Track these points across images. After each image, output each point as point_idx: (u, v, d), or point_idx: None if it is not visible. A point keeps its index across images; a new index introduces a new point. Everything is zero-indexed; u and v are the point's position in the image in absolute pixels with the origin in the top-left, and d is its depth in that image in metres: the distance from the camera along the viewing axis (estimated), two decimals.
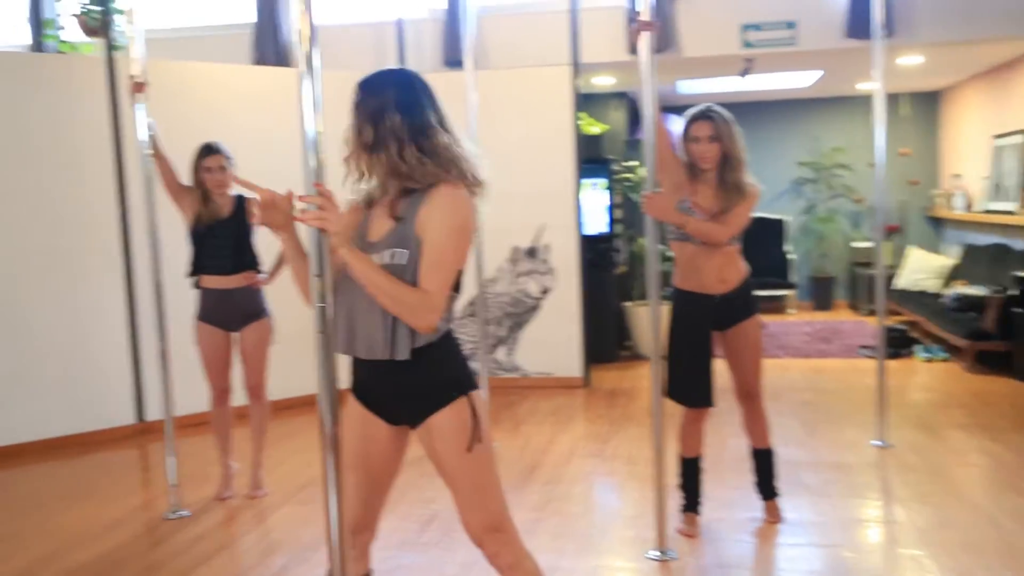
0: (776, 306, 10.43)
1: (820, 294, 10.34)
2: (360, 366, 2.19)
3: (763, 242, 10.67)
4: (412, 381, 2.14)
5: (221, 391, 4.18)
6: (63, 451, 5.22)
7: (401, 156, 2.08)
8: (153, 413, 5.41)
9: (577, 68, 6.43)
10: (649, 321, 3.41)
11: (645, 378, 6.23)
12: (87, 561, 3.54)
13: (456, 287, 2.15)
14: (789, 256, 10.59)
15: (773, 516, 3.71)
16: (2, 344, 5.13)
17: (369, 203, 2.20)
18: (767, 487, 3.76)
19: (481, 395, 2.21)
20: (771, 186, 10.78)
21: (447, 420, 2.13)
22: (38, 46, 6.68)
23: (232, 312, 4.11)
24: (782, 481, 4.18)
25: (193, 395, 4.80)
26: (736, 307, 3.52)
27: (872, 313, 7.86)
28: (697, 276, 3.47)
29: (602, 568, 3.32)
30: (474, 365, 6.41)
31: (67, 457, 5.12)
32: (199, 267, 4.08)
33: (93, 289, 5.42)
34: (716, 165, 3.43)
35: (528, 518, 3.84)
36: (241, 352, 4.17)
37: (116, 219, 5.49)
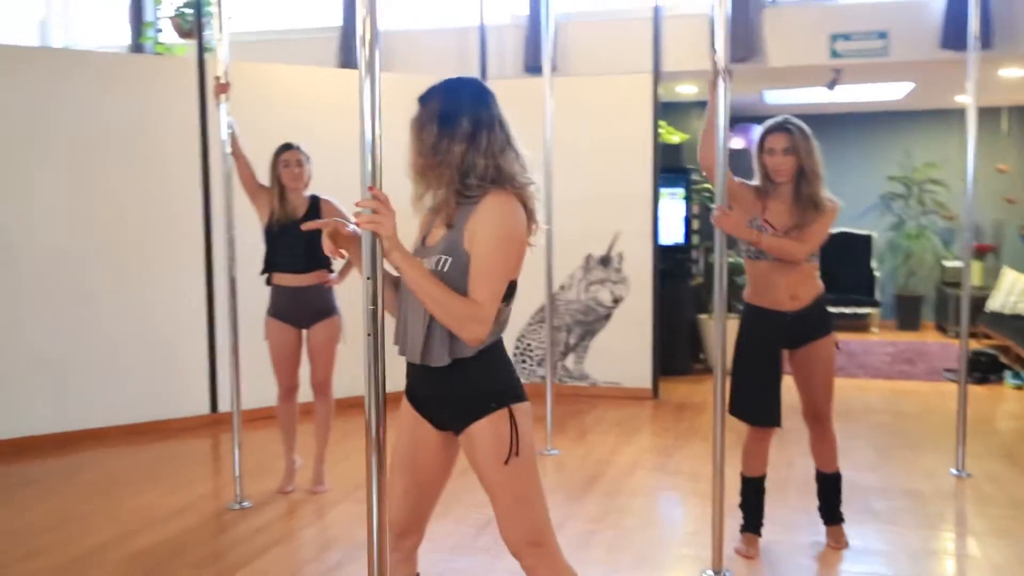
0: (858, 324, 10.14)
1: (906, 313, 10.02)
2: (411, 368, 2.20)
3: (847, 257, 10.39)
4: (453, 388, 2.14)
5: (288, 387, 4.26)
6: (142, 437, 5.39)
7: (462, 162, 2.09)
8: (226, 405, 5.54)
9: (658, 76, 6.36)
10: (716, 335, 3.34)
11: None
12: (149, 547, 3.64)
13: (507, 297, 2.12)
14: (875, 273, 10.29)
15: (837, 542, 3.59)
16: (91, 331, 5.33)
17: (435, 210, 2.21)
18: (832, 512, 3.65)
19: (527, 407, 2.18)
20: (858, 200, 10.50)
21: (485, 431, 2.12)
22: (137, 47, 6.95)
23: (303, 310, 4.18)
24: (850, 506, 4.05)
25: (263, 389, 4.90)
26: (809, 325, 3.40)
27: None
28: (769, 292, 3.39)
29: None
30: (540, 371, 6.41)
31: (145, 443, 5.28)
32: (272, 265, 4.16)
33: (176, 282, 5.59)
34: (791, 179, 3.34)
35: (584, 529, 3.80)
36: (309, 349, 4.24)
37: (200, 215, 5.65)
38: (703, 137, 3.34)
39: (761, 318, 3.41)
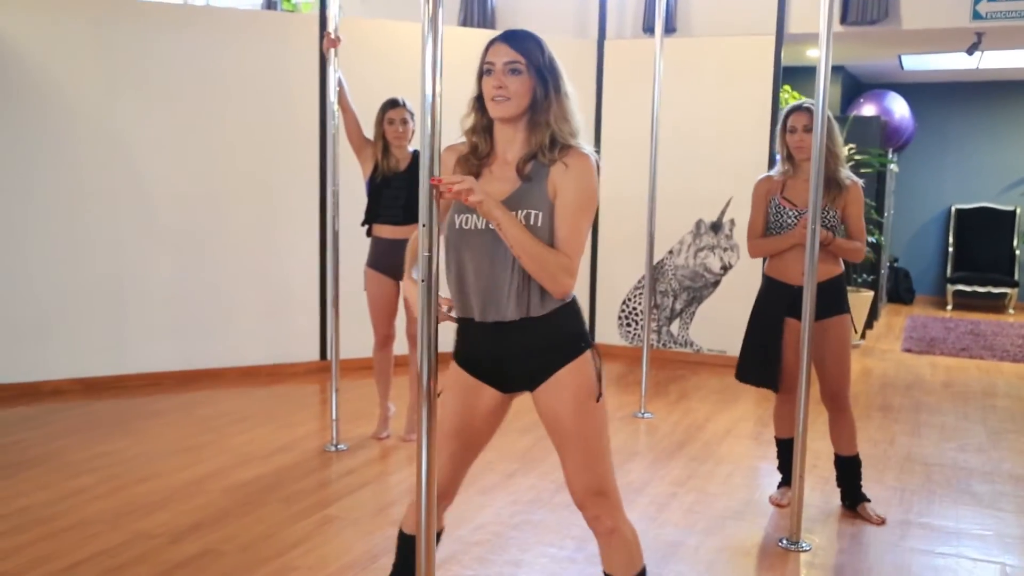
0: (994, 304, 9.63)
1: None
2: (476, 330, 2.17)
3: (987, 234, 9.88)
4: (539, 339, 2.14)
5: (385, 336, 4.40)
6: (255, 379, 5.69)
7: (551, 114, 2.11)
8: (345, 351, 5.76)
9: (781, 38, 6.14)
10: (805, 305, 3.24)
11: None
12: (248, 480, 3.86)
13: None
14: (1016, 251, 9.72)
15: (870, 519, 3.51)
16: (212, 276, 5.65)
17: (471, 162, 2.19)
18: (853, 495, 3.61)
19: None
20: (1002, 175, 9.92)
21: (574, 374, 2.13)
22: (270, 4, 7.23)
23: (401, 261, 4.28)
24: (949, 487, 3.94)
25: (368, 339, 5.08)
26: (821, 302, 3.35)
27: None
28: (783, 265, 3.51)
29: (728, 550, 3.23)
30: (641, 334, 6.37)
31: (258, 385, 5.58)
32: (373, 216, 4.29)
33: (293, 232, 5.84)
34: (811, 158, 3.29)
35: (666, 491, 3.80)
36: (406, 308, 4.35)
37: (316, 167, 5.86)
38: (756, 245, 3.57)
39: (772, 289, 3.56)
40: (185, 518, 3.42)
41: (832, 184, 3.39)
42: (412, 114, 4.29)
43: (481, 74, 2.15)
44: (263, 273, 5.80)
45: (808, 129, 3.38)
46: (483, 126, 2.18)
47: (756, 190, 3.58)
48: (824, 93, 3.14)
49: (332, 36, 4.22)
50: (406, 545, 2.37)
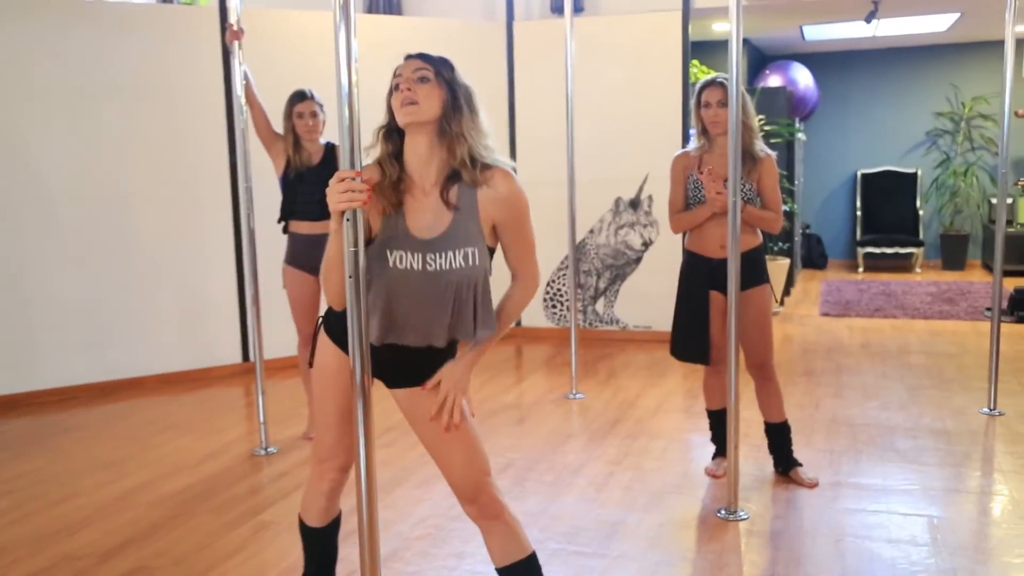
0: (902, 264, 9.95)
1: (951, 253, 9.80)
2: (386, 351, 2.10)
3: (892, 196, 10.20)
4: (444, 357, 2.14)
5: (307, 334, 4.30)
6: (177, 385, 5.52)
7: (463, 125, 2.04)
8: (269, 351, 5.63)
9: (688, 13, 6.20)
10: (730, 280, 3.27)
11: None
12: (176, 491, 3.74)
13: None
14: (919, 212, 10.06)
15: (807, 483, 3.59)
16: (125, 282, 5.43)
17: (388, 193, 2.06)
18: (786, 460, 3.69)
19: None
20: (903, 138, 10.25)
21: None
22: None
23: (319, 257, 4.16)
24: (874, 445, 4.05)
25: (292, 338, 4.97)
26: (741, 274, 3.38)
27: (1009, 275, 7.39)
28: (702, 239, 3.55)
29: (668, 524, 3.26)
30: (565, 315, 6.40)
31: (180, 391, 5.41)
32: (288, 212, 4.19)
33: (206, 233, 5.67)
34: (726, 131, 3.34)
35: (603, 471, 3.82)
36: None
37: (226, 164, 5.69)
38: (678, 220, 3.57)
39: (693, 263, 3.59)
40: (113, 536, 3.29)
41: (747, 157, 3.42)
42: (321, 105, 4.19)
43: (390, 93, 2.08)
44: (178, 276, 5.62)
45: (722, 104, 3.40)
46: (392, 152, 2.09)
47: (674, 166, 3.59)
48: (737, 66, 3.17)
49: (235, 28, 4.09)
50: (312, 536, 2.36)
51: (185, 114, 5.55)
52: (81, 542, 3.24)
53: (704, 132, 3.53)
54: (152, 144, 5.47)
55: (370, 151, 2.11)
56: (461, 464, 2.17)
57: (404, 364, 2.14)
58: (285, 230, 4.23)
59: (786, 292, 7.81)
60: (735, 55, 3.16)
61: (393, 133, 2.09)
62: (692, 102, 3.57)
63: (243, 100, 4.14)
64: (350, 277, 1.91)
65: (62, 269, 5.28)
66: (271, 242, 4.39)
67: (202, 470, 3.99)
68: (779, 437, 3.69)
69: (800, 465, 3.67)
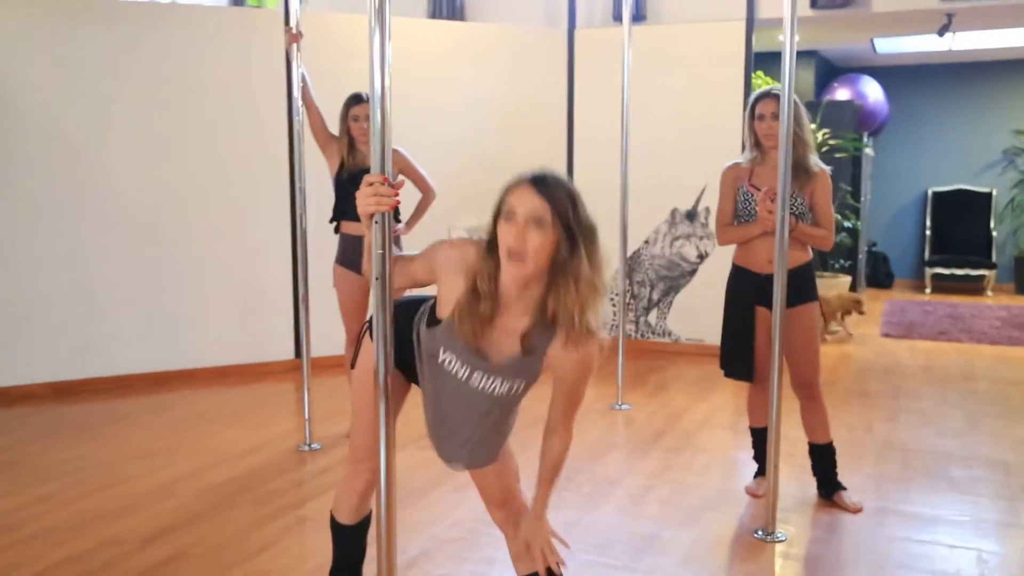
0: (972, 286, 9.66)
1: None
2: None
3: (964, 216, 9.91)
4: None
5: (355, 334, 4.34)
6: (228, 379, 5.63)
7: (579, 287, 1.89)
8: (315, 350, 5.70)
9: (752, 23, 6.11)
10: (776, 297, 3.20)
11: None
12: (220, 482, 3.81)
13: None
14: (993, 233, 9.75)
15: (851, 507, 3.48)
16: (184, 276, 5.57)
17: (476, 308, 1.95)
18: (830, 483, 3.58)
19: None
20: (978, 156, 9.95)
21: None
22: (235, 1, 7.15)
23: None
24: (926, 473, 3.92)
25: (343, 336, 5.03)
26: (788, 291, 3.30)
27: None
28: (749, 253, 3.48)
29: (703, 541, 3.21)
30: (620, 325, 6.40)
31: (231, 385, 5.51)
32: (340, 213, 4.23)
33: (265, 230, 5.77)
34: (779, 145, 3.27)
35: (642, 484, 3.77)
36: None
37: (286, 164, 5.79)
38: (726, 233, 3.53)
39: (739, 277, 3.53)
40: (154, 522, 3.36)
41: (800, 171, 3.35)
42: None
43: (498, 213, 1.92)
44: (236, 272, 5.73)
45: (776, 116, 3.33)
46: (490, 272, 1.94)
47: (724, 178, 3.54)
48: (790, 78, 3.11)
49: (293, 31, 4.15)
50: (342, 533, 2.38)
51: (248, 114, 5.66)
52: (124, 527, 3.31)
53: (757, 144, 3.47)
54: (215, 142, 5.59)
55: (473, 232, 2.01)
56: (492, 470, 2.18)
57: None
58: (337, 230, 4.28)
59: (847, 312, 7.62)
60: (788, 65, 3.10)
61: (493, 251, 1.94)
62: (746, 114, 3.51)
63: (300, 102, 4.20)
64: (376, 279, 1.92)
65: (123, 262, 5.42)
66: (326, 242, 4.43)
67: (246, 462, 4.05)
68: (823, 459, 3.60)
69: (844, 489, 3.57)
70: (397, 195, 1.90)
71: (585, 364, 1.96)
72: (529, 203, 1.85)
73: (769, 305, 3.32)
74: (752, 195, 3.41)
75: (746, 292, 3.47)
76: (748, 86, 6.11)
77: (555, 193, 1.87)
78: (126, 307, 5.46)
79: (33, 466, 4.01)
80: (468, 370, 1.99)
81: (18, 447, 4.29)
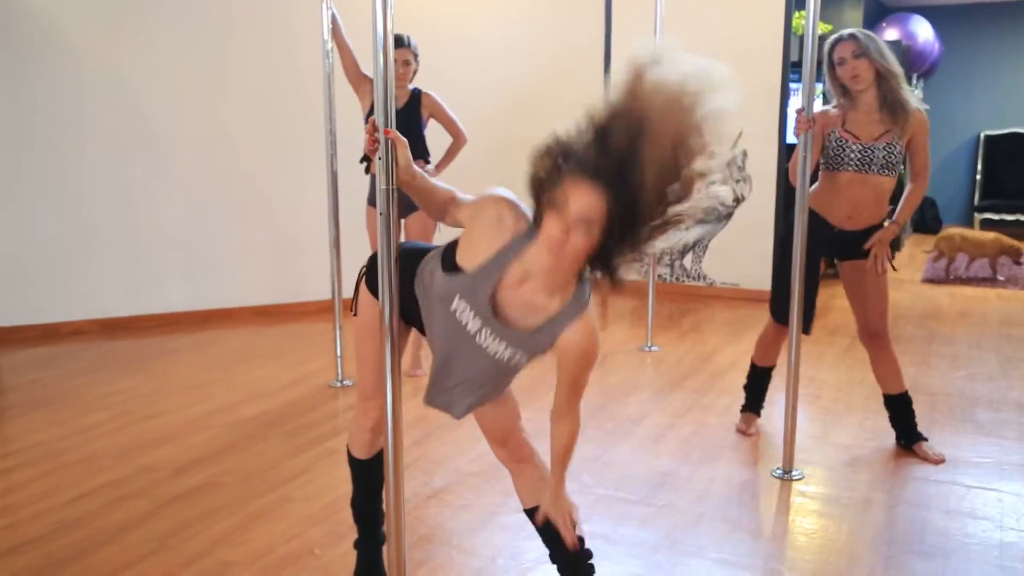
0: (1023, 233, 9.43)
1: None
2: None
3: (1018, 161, 9.67)
4: None
5: None
6: (266, 318, 5.77)
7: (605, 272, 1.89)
8: (349, 291, 5.81)
9: None
10: (796, 244, 3.19)
11: (840, 297, 5.91)
12: (252, 415, 3.94)
13: None
14: None
15: (928, 458, 3.42)
16: (224, 218, 5.70)
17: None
18: (909, 433, 3.52)
19: None
20: None
21: None
22: None
23: (400, 198, 4.29)
24: (952, 415, 3.92)
25: None
26: (859, 245, 3.35)
27: None
28: (831, 203, 3.34)
29: (720, 479, 3.25)
30: (659, 270, 6.43)
31: (268, 324, 5.65)
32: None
33: (302, 170, 5.84)
34: (871, 84, 3.20)
35: (663, 423, 3.82)
36: (407, 237, 4.37)
37: (323, 106, 5.82)
38: (793, 161, 3.24)
39: (813, 225, 3.24)
40: (189, 452, 3.50)
41: (898, 108, 3.19)
42: (416, 55, 4.25)
43: (551, 190, 1.81)
44: (274, 213, 5.84)
45: (857, 55, 3.18)
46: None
47: (817, 121, 3.25)
48: (814, 19, 3.05)
49: None
50: (359, 467, 2.47)
51: (285, 55, 5.70)
52: (160, 456, 3.46)
53: (844, 93, 3.29)
54: (254, 85, 5.66)
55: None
56: (492, 409, 2.22)
57: None
58: (367, 171, 4.33)
59: (896, 247, 7.53)
60: (813, 6, 3.05)
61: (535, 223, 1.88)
62: (824, 66, 3.31)
63: (329, 44, 4.24)
64: (381, 215, 1.96)
65: (167, 204, 5.55)
66: (362, 183, 4.49)
67: (280, 397, 4.18)
68: (899, 409, 3.53)
69: (925, 439, 3.49)
70: (375, 141, 1.99)
71: (591, 353, 1.96)
72: (584, 204, 1.75)
73: (845, 258, 3.35)
74: (846, 141, 3.27)
75: (817, 241, 3.32)
76: (789, 28, 6.00)
77: (609, 191, 1.76)
78: (171, 247, 5.61)
79: (80, 398, 4.18)
80: (479, 325, 1.97)
81: (66, 380, 4.47)
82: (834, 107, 3.36)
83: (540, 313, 1.93)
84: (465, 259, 1.99)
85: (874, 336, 3.47)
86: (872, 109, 3.25)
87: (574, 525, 2.18)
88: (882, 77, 3.20)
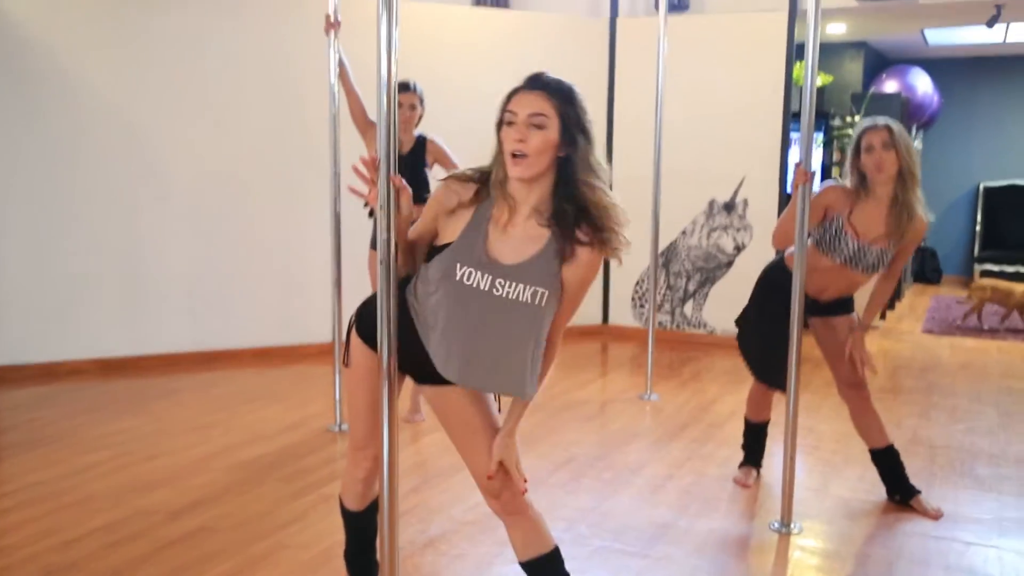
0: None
1: None
2: (422, 356, 2.10)
3: (1017, 212, 9.78)
4: None
5: None
6: (270, 360, 5.77)
7: (577, 187, 1.99)
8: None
9: (795, 13, 6.05)
10: (795, 298, 3.20)
11: None
12: (250, 459, 3.93)
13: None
14: None
15: (927, 512, 3.39)
16: (228, 258, 5.72)
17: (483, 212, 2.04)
18: (901, 486, 3.49)
19: None
20: None
21: None
22: None
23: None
24: (952, 469, 3.89)
25: None
26: (831, 307, 3.44)
27: None
28: (810, 276, 3.27)
29: (719, 531, 3.24)
30: (659, 317, 6.37)
31: (271, 366, 5.66)
32: None
33: (307, 212, 5.87)
34: (891, 180, 3.19)
35: (662, 473, 3.81)
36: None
37: (329, 148, 5.88)
38: (782, 222, 3.27)
39: (785, 285, 3.22)
40: (186, 495, 3.49)
41: (904, 214, 3.17)
42: (422, 99, 4.31)
43: (501, 122, 2.02)
44: (278, 254, 5.87)
45: (888, 146, 3.14)
46: (499, 178, 2.03)
47: (824, 195, 3.28)
48: (813, 71, 3.10)
49: (331, 19, 4.25)
50: (351, 518, 2.46)
51: (293, 97, 5.77)
52: (157, 499, 3.45)
53: (862, 180, 3.23)
54: (262, 127, 5.72)
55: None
56: (486, 460, 2.20)
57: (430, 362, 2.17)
58: (371, 214, 4.36)
59: (890, 306, 7.55)
60: (812, 55, 3.10)
61: (500, 157, 2.02)
62: (850, 150, 3.26)
63: (336, 87, 4.30)
64: (381, 263, 1.98)
65: (170, 243, 5.59)
66: (364, 225, 4.52)
67: (279, 440, 4.18)
68: (887, 462, 3.50)
69: (919, 492, 3.45)
70: (375, 187, 2.02)
71: (590, 266, 2.03)
72: (528, 105, 1.96)
73: (815, 315, 3.42)
74: (847, 234, 3.24)
75: (787, 300, 3.24)
76: (790, 77, 6.07)
77: (553, 91, 1.98)
78: (174, 287, 5.63)
79: (78, 438, 4.18)
80: (489, 279, 1.99)
81: (66, 420, 4.47)
82: (847, 186, 3.28)
83: (537, 239, 2.00)
84: (447, 238, 2.06)
85: (852, 387, 3.46)
86: (882, 206, 3.21)
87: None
88: (902, 176, 3.18)
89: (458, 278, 2.01)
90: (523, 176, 1.97)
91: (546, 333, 2.05)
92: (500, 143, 2.01)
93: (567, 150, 1.97)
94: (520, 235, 2.01)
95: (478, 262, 2.00)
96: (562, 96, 1.98)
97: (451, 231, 2.06)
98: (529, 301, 1.99)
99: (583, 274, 2.03)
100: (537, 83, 2.00)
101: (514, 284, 1.99)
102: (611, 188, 2.04)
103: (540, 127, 1.95)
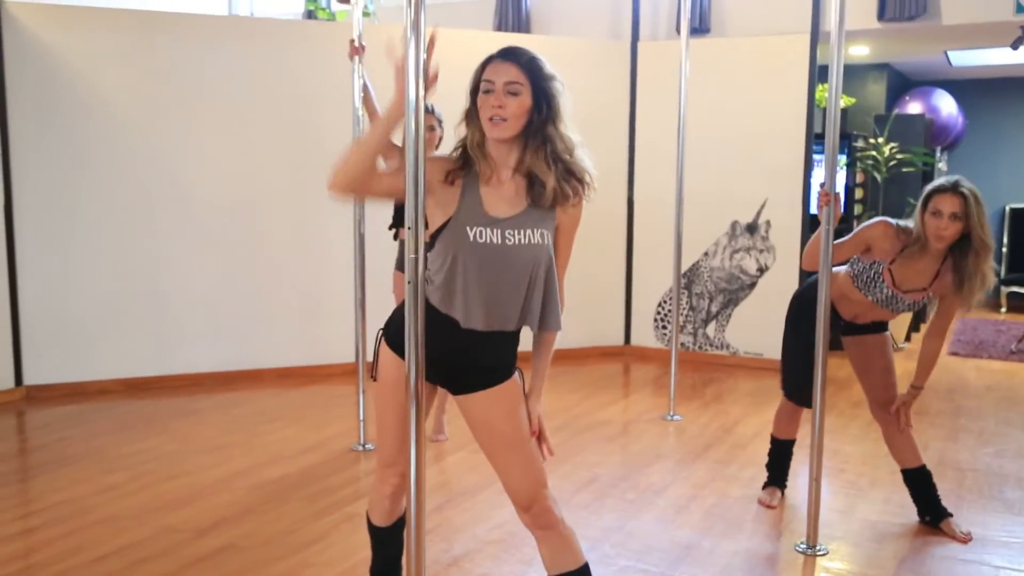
0: None
1: None
2: (451, 334, 2.14)
3: None
4: (505, 353, 2.23)
5: None
6: (292, 380, 5.80)
7: (554, 138, 2.16)
8: (371, 353, 5.84)
9: (816, 36, 6.06)
10: (819, 320, 3.19)
11: None
12: (273, 478, 3.95)
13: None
14: None
15: (956, 536, 3.35)
16: (252, 280, 5.77)
17: (466, 175, 2.19)
18: (933, 509, 3.45)
19: None
20: None
21: (512, 385, 2.24)
22: (309, 14, 7.36)
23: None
24: (980, 493, 3.85)
25: None
26: (863, 327, 3.47)
27: None
28: (839, 299, 3.34)
29: (743, 552, 3.21)
30: (682, 338, 6.33)
31: (294, 386, 5.68)
32: (399, 220, 4.35)
33: (331, 234, 5.91)
34: (950, 247, 3.11)
35: (685, 494, 3.79)
36: None
37: None
38: (811, 244, 3.28)
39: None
40: (210, 514, 3.51)
41: (979, 282, 3.07)
42: (440, 121, 4.34)
43: (476, 88, 2.19)
44: (301, 276, 5.91)
45: (956, 216, 3.01)
46: (478, 141, 2.18)
47: (872, 229, 3.20)
48: (836, 93, 3.11)
49: (355, 44, 4.30)
50: (378, 534, 2.46)
51: (318, 123, 5.83)
52: (182, 517, 3.47)
53: (920, 238, 3.10)
54: (286, 150, 5.78)
55: (457, 129, 2.25)
56: (518, 473, 2.22)
57: (467, 370, 2.22)
58: (395, 237, 4.40)
59: (915, 328, 7.48)
60: (835, 76, 3.10)
61: (475, 120, 2.18)
62: (918, 204, 3.13)
63: (360, 111, 4.34)
64: (409, 283, 2.00)
65: (195, 266, 5.64)
66: (389, 248, 4.55)
67: (301, 460, 4.19)
68: (919, 483, 3.47)
69: (950, 515, 3.41)
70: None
71: (575, 207, 2.22)
72: (504, 74, 2.14)
73: (848, 334, 3.45)
74: (883, 282, 3.21)
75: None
76: (812, 99, 6.07)
77: (525, 62, 2.16)
78: (197, 309, 5.68)
79: (103, 457, 4.21)
80: (498, 232, 2.12)
81: (91, 439, 4.51)
82: (901, 240, 3.16)
83: (524, 192, 2.16)
84: (440, 217, 2.17)
85: (884, 407, 3.46)
86: (932, 266, 3.15)
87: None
88: (971, 245, 3.05)
89: (472, 239, 2.12)
90: (501, 136, 2.12)
91: (553, 263, 2.20)
92: (475, 109, 2.18)
93: (538, 114, 2.14)
94: (509, 192, 2.17)
95: (484, 220, 2.13)
96: (533, 67, 2.17)
97: (443, 211, 2.16)
98: (540, 241, 2.15)
99: (573, 212, 2.22)
100: (510, 55, 2.19)
101: (522, 231, 2.14)
102: (576, 150, 2.20)
103: (515, 94, 2.12)
